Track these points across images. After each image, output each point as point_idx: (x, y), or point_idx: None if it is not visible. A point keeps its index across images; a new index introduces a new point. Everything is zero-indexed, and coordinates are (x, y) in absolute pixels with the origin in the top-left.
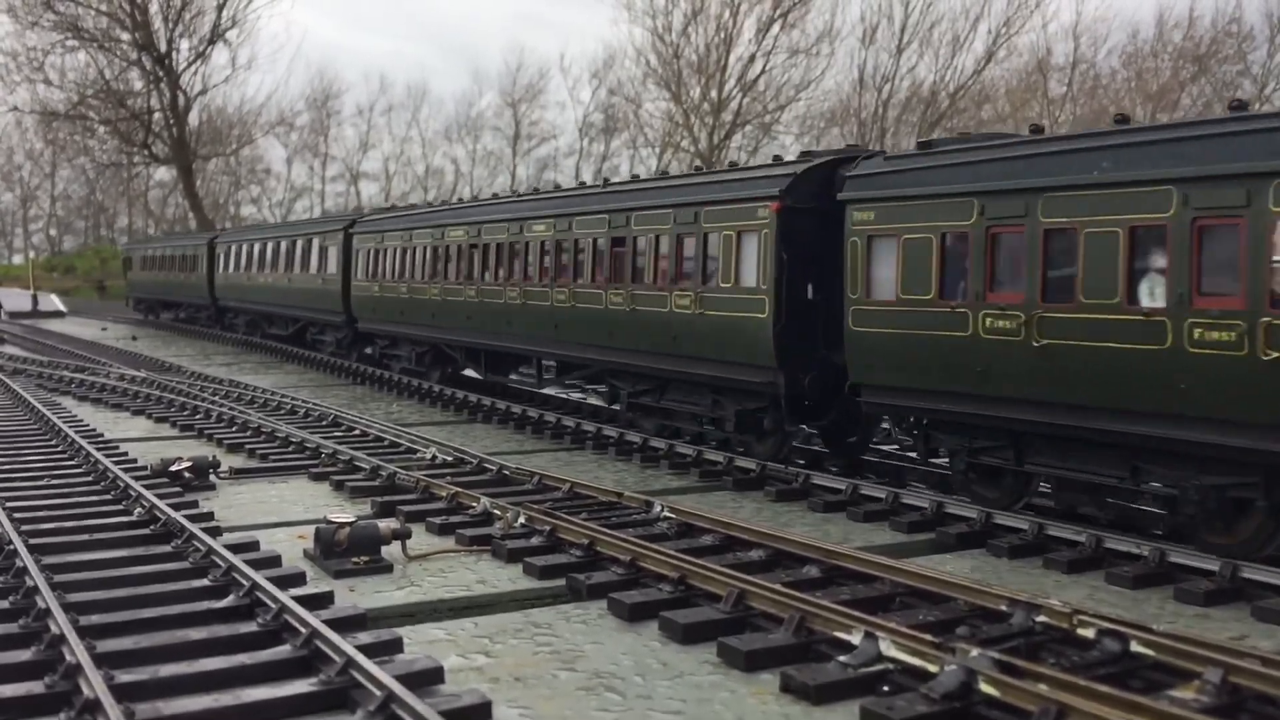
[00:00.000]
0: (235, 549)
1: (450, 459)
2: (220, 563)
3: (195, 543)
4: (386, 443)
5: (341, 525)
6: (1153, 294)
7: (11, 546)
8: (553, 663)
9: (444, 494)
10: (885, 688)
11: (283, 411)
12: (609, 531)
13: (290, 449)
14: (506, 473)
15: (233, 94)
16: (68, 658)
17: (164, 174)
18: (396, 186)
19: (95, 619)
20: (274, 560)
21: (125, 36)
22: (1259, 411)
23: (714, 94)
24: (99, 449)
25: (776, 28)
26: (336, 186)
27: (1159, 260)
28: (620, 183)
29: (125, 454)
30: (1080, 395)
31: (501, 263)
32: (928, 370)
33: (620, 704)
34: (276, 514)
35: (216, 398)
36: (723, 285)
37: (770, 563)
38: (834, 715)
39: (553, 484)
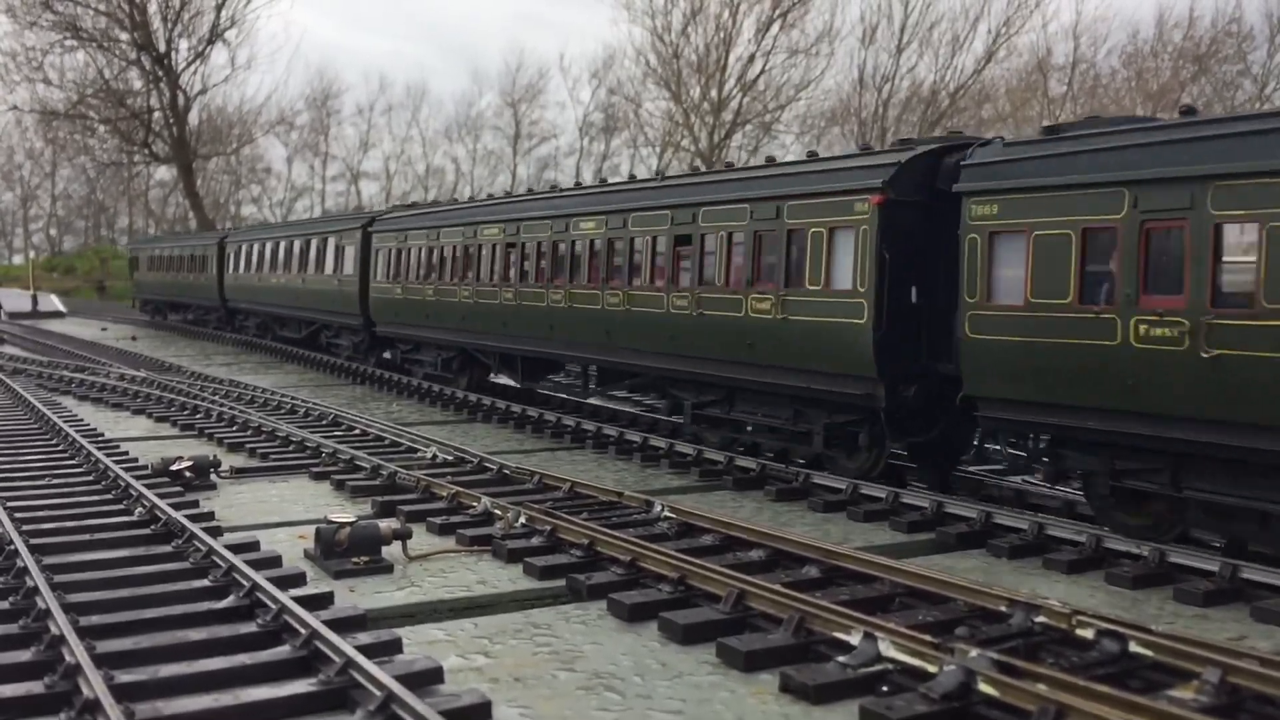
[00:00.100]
0: (236, 549)
1: (450, 458)
2: (221, 563)
3: (196, 543)
4: (387, 442)
5: (342, 525)
6: None
7: (12, 546)
8: (552, 663)
9: (444, 494)
10: (884, 688)
11: (283, 411)
12: (609, 531)
13: (291, 448)
14: (507, 472)
15: (232, 94)
16: (67, 658)
17: (164, 173)
18: (397, 186)
19: (95, 619)
20: (274, 560)
21: (124, 36)
22: None
23: (714, 94)
24: (99, 448)
25: (776, 28)
26: (337, 186)
27: None
28: (683, 175)
29: (126, 453)
30: (1260, 413)
31: (543, 263)
32: (1062, 382)
33: (620, 704)
34: (277, 514)
35: (217, 397)
36: (810, 287)
37: (770, 563)
38: (833, 715)
39: (553, 483)
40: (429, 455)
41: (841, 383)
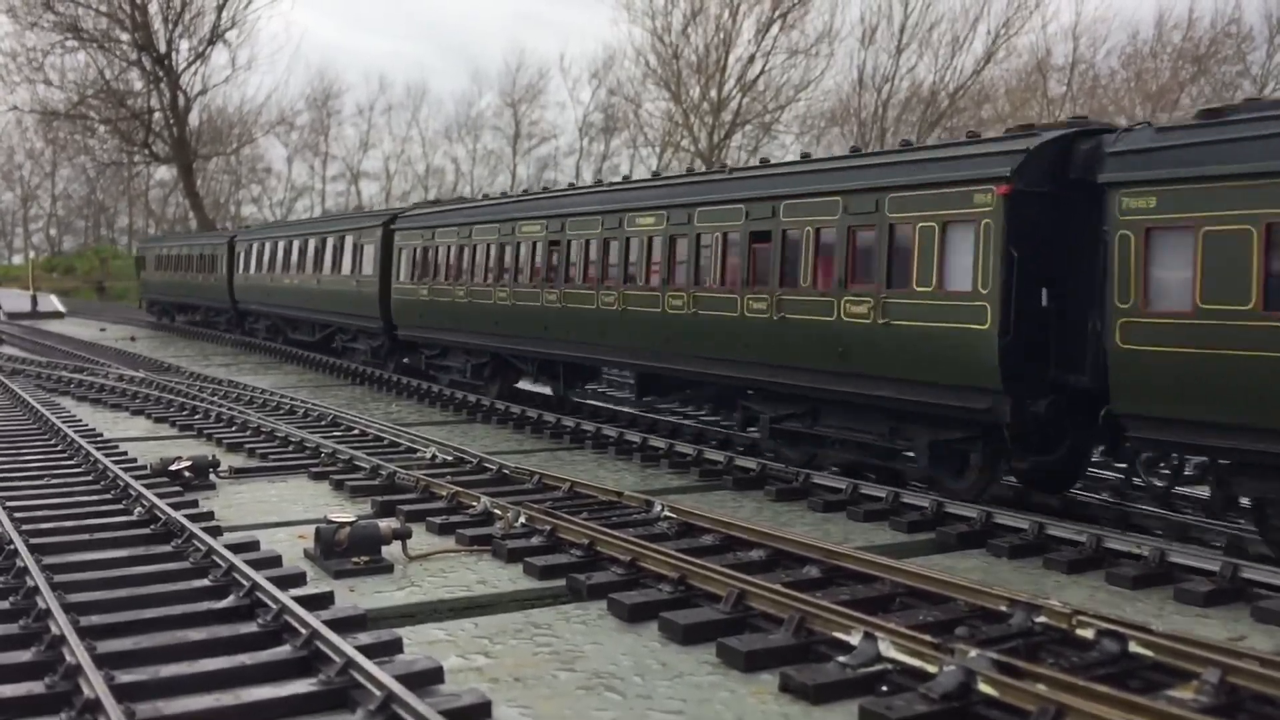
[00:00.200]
0: (235, 549)
1: (450, 458)
2: (220, 563)
3: (195, 543)
4: (386, 442)
5: (342, 525)
6: None
7: (12, 546)
8: (553, 663)
9: (444, 494)
10: (884, 688)
11: (282, 411)
12: (609, 531)
13: (290, 448)
14: (506, 472)
15: (233, 94)
16: (68, 658)
17: (164, 173)
18: (397, 186)
19: (95, 619)
20: (274, 560)
21: (125, 36)
22: None
23: (714, 94)
24: (99, 449)
25: (776, 28)
26: (337, 186)
27: None
28: (761, 166)
29: (125, 453)
30: None
31: (592, 262)
32: (1239, 400)
33: (620, 704)
34: (277, 514)
35: (216, 398)
36: (919, 289)
37: (770, 563)
38: (833, 715)
39: (553, 483)
40: (428, 455)
41: (956, 395)
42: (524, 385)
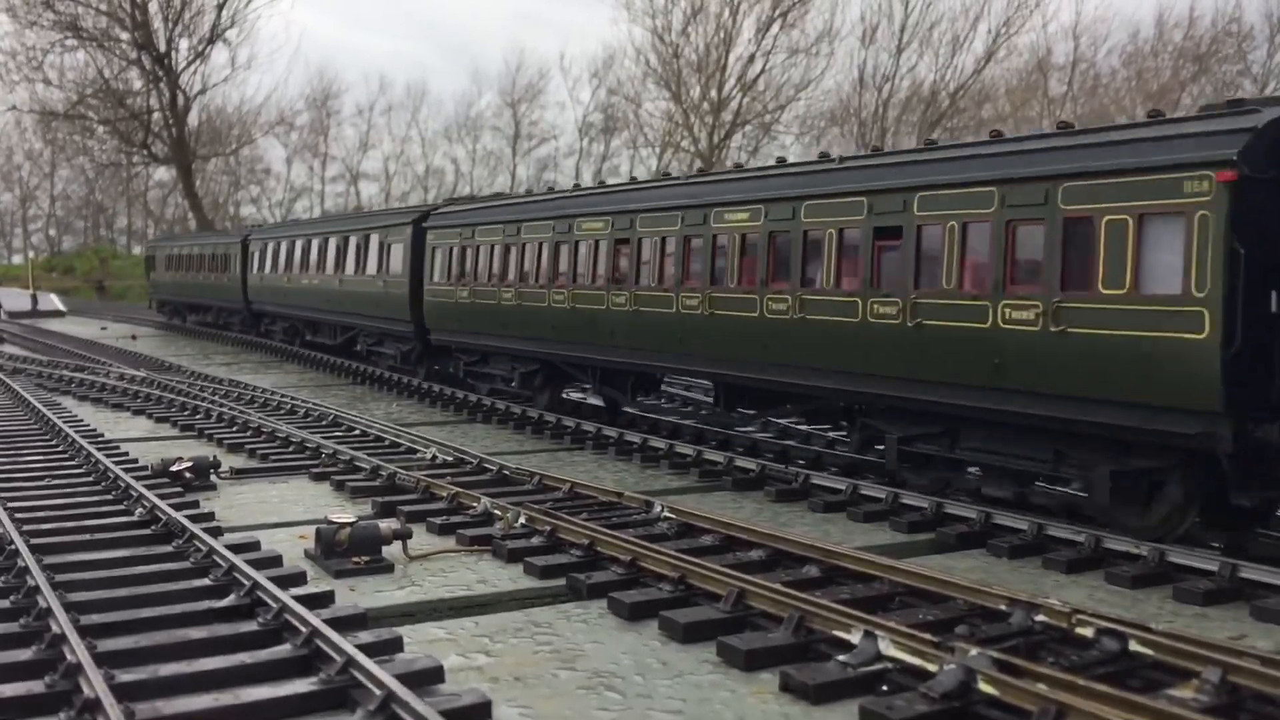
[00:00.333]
0: (236, 549)
1: (450, 459)
2: (221, 562)
3: (196, 543)
4: (387, 443)
5: (342, 525)
6: None
7: (13, 546)
8: (553, 662)
9: (444, 494)
10: (884, 687)
11: (283, 411)
12: (609, 531)
13: (290, 449)
14: (506, 473)
15: (232, 94)
16: (68, 657)
17: (163, 174)
18: (397, 186)
19: (96, 618)
20: (275, 560)
21: (124, 36)
22: None
23: (714, 94)
24: (99, 449)
25: (776, 27)
26: (336, 186)
27: None
28: (891, 153)
29: (126, 454)
30: None
31: (670, 263)
32: None
33: (620, 703)
34: (277, 514)
35: (216, 397)
36: (1107, 292)
37: (770, 563)
38: (833, 715)
39: (553, 484)
40: (429, 456)
41: (1153, 416)
42: (559, 395)
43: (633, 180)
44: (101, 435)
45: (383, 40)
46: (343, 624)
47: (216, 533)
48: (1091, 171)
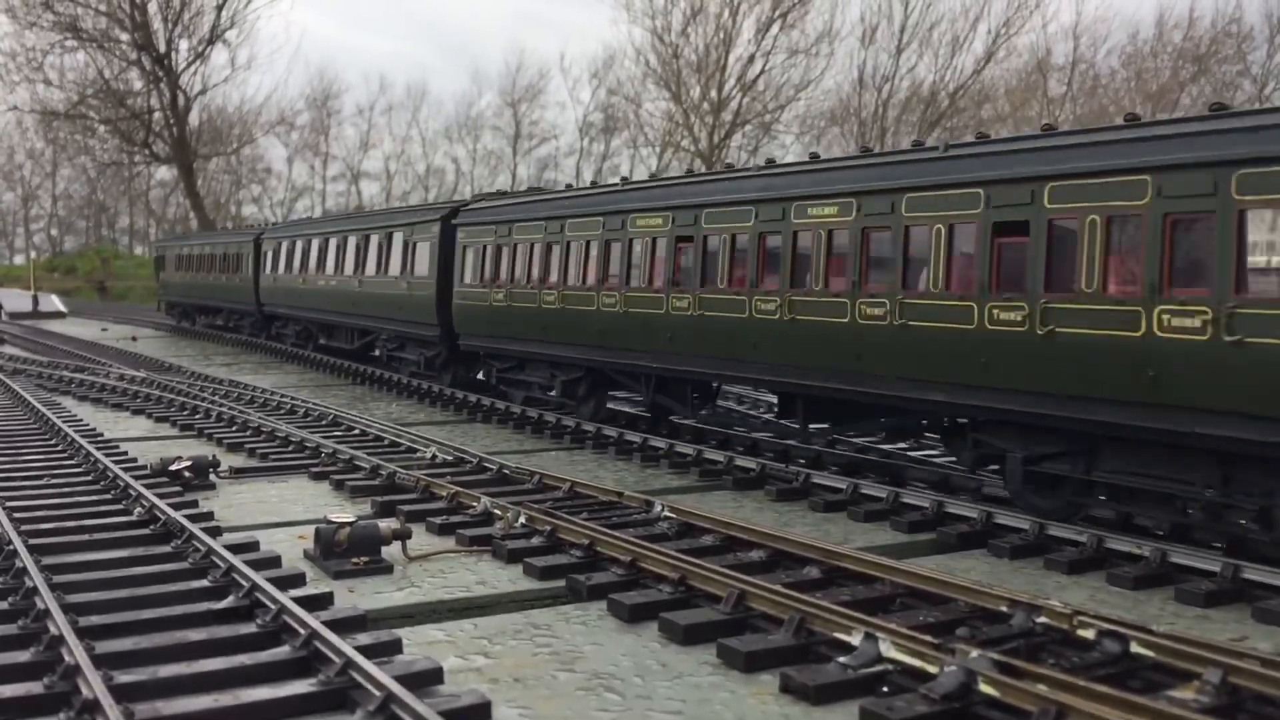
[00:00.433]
0: (235, 549)
1: (450, 458)
2: (220, 563)
3: (195, 543)
4: (386, 442)
5: (342, 525)
6: None
7: (11, 547)
8: (552, 663)
9: (444, 494)
10: (885, 688)
11: (282, 411)
12: (609, 532)
13: (290, 448)
14: (506, 472)
15: (232, 94)
16: (67, 658)
17: (165, 174)
18: (397, 186)
19: (95, 619)
20: (274, 561)
21: (124, 36)
22: None
23: (714, 94)
24: (99, 448)
25: (776, 28)
26: (337, 186)
27: None
28: (1010, 139)
29: (125, 453)
30: None
31: (741, 263)
32: None
33: (620, 704)
34: (276, 514)
35: (216, 397)
36: None
37: (770, 563)
38: (833, 716)
39: (553, 484)
40: (428, 455)
41: None
42: (605, 404)
43: (690, 172)
44: (101, 435)
45: (383, 40)
46: (342, 626)
47: (215, 533)
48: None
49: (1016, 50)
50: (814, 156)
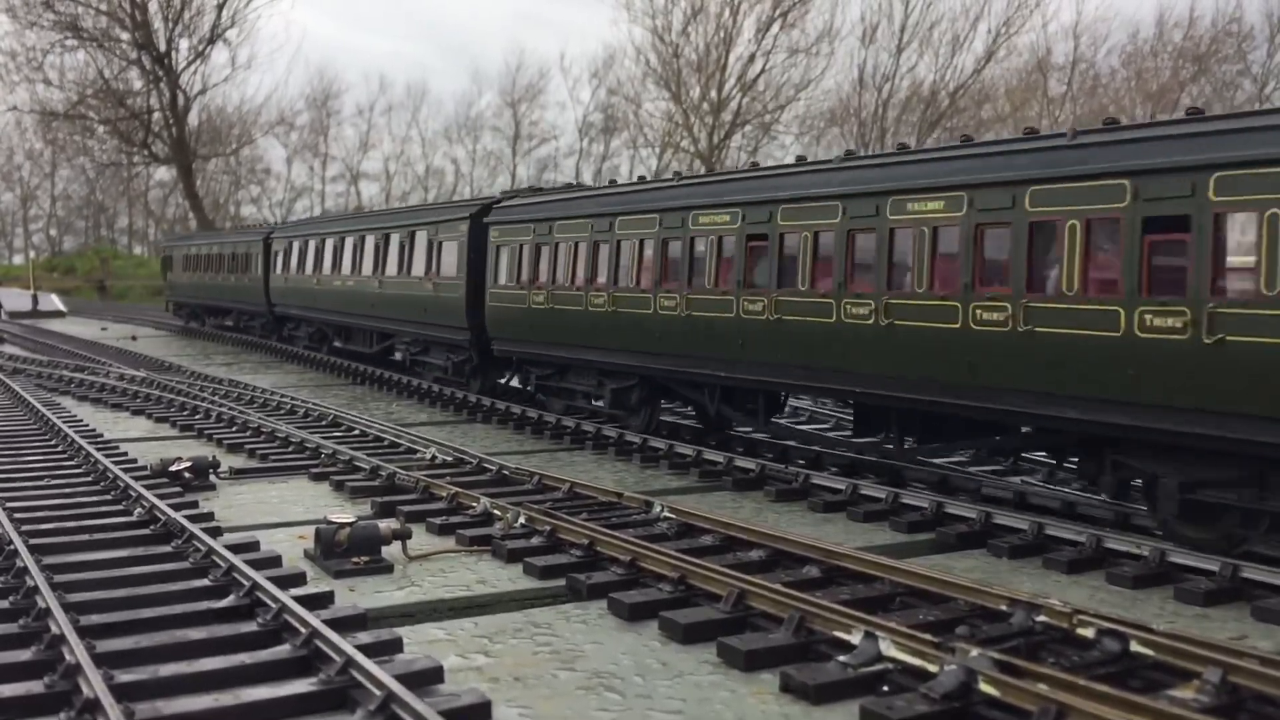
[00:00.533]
0: (235, 549)
1: (450, 459)
2: (220, 563)
3: (195, 543)
4: (386, 443)
5: (342, 525)
6: None
7: (12, 547)
8: (552, 662)
9: (444, 494)
10: (885, 687)
11: (282, 411)
12: (609, 531)
13: (290, 449)
14: (506, 473)
15: (232, 94)
16: (67, 657)
17: (164, 174)
18: (397, 186)
19: (95, 619)
20: (274, 560)
21: (124, 36)
22: None
23: (714, 94)
24: (99, 449)
25: (776, 27)
26: (337, 186)
27: None
28: (1172, 123)
29: (125, 454)
30: None
31: (825, 262)
32: None
33: (620, 704)
34: (277, 514)
35: (216, 397)
36: None
37: (770, 563)
38: (834, 715)
39: (553, 484)
40: (428, 456)
41: None
42: (658, 414)
43: (754, 165)
44: (101, 435)
45: (383, 40)
46: (342, 624)
47: (216, 533)
48: None
49: (1017, 50)
50: (903, 147)
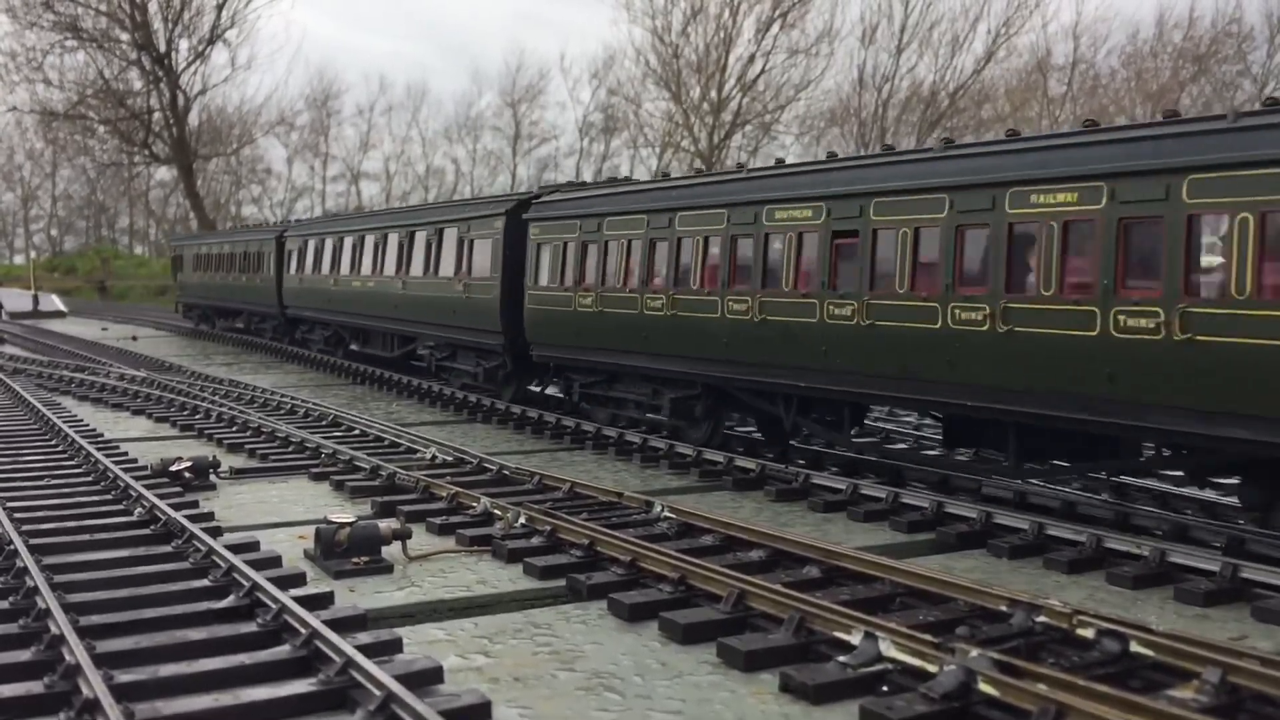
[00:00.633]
0: (235, 549)
1: (450, 459)
2: (220, 563)
3: (195, 543)
4: (386, 442)
5: (342, 525)
6: None
7: (12, 547)
8: (552, 663)
9: (444, 494)
10: (885, 688)
11: (283, 411)
12: (609, 532)
13: (290, 449)
14: (506, 473)
15: (232, 94)
16: (67, 658)
17: (164, 174)
18: (397, 186)
19: (95, 619)
20: (274, 560)
21: (124, 36)
22: None
23: (714, 94)
24: (99, 449)
25: (776, 27)
26: (337, 186)
27: None
28: None
29: (125, 454)
30: None
31: (929, 261)
32: None
33: (620, 704)
34: (277, 514)
35: (216, 397)
36: None
37: (770, 563)
38: (833, 715)
39: (553, 484)
40: (428, 456)
41: None
42: (722, 427)
43: (832, 154)
44: (101, 435)
45: (383, 40)
46: (342, 625)
47: (216, 533)
48: None
49: (1016, 50)
50: (1013, 133)
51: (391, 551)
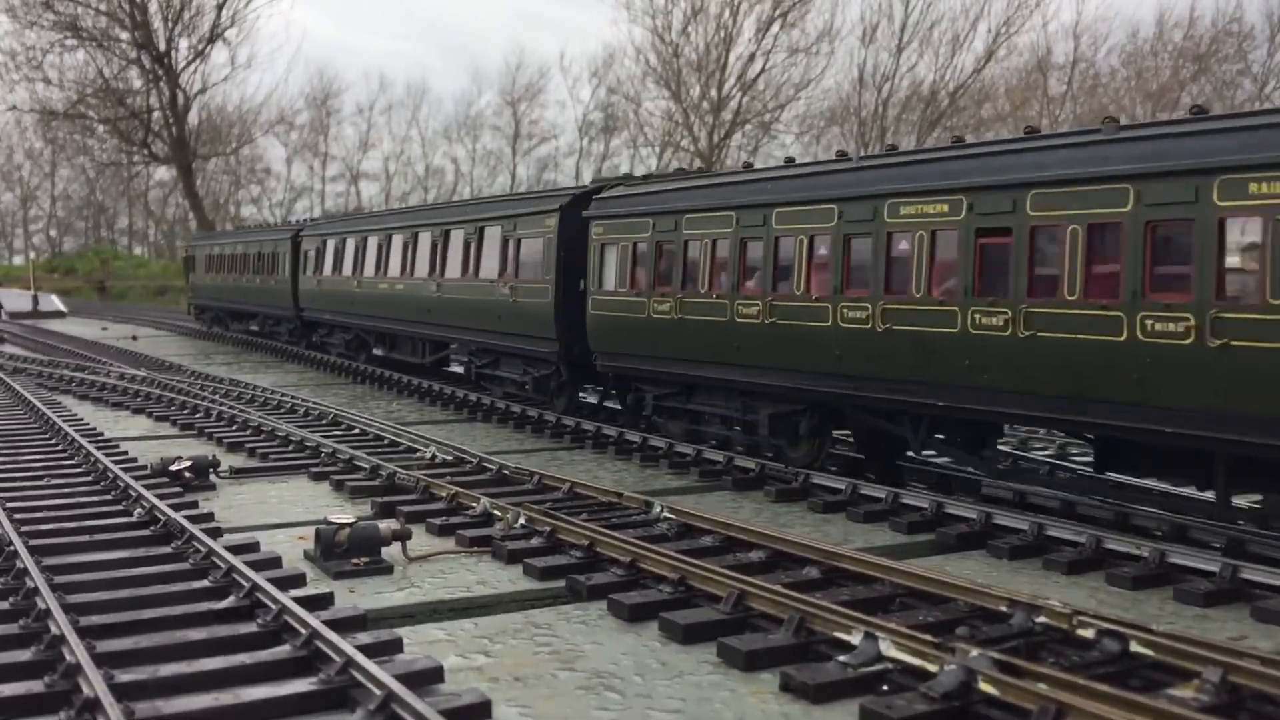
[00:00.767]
0: (235, 550)
1: (450, 458)
2: (220, 564)
3: (195, 543)
4: (386, 442)
5: (342, 526)
6: None
7: (12, 547)
8: (552, 663)
9: (444, 494)
10: (885, 687)
11: (283, 410)
12: (609, 532)
13: (290, 448)
14: (506, 472)
15: (232, 93)
16: (67, 657)
17: (164, 174)
18: (397, 186)
19: (95, 619)
20: (274, 561)
21: (124, 35)
22: None
23: (714, 93)
24: (99, 448)
25: (776, 27)
26: (337, 186)
27: None
28: None
29: (125, 453)
30: None
31: (1106, 263)
32: None
33: (620, 703)
34: (277, 514)
35: (216, 397)
36: None
37: (770, 563)
38: (833, 715)
39: (552, 484)
40: (428, 455)
41: None
42: (827, 447)
43: (958, 139)
44: (101, 434)
45: (383, 40)
46: (342, 625)
47: (216, 533)
48: None
49: (1017, 49)
50: (1199, 108)
51: (391, 552)
